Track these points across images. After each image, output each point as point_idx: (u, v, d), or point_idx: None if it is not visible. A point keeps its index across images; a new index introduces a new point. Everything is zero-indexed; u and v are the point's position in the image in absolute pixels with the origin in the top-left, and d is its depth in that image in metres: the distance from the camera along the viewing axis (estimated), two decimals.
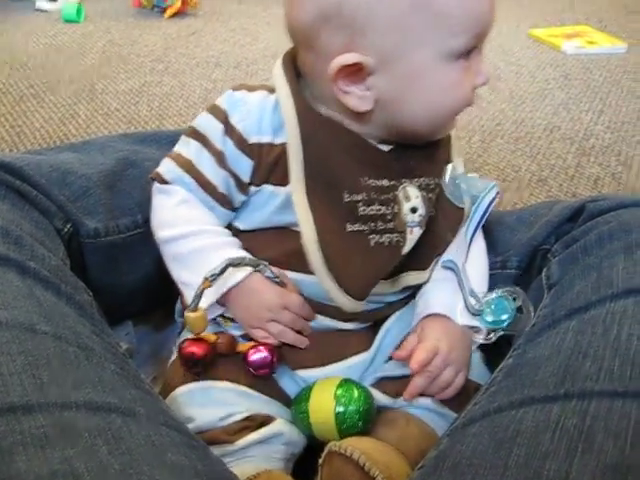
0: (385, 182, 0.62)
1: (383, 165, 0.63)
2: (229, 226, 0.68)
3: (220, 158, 0.64)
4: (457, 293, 0.65)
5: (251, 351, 0.63)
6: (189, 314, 0.61)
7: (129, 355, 0.66)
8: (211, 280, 0.60)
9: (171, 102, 1.66)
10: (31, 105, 1.64)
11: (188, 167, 0.65)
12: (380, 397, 0.64)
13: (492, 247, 0.72)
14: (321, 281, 0.62)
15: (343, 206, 0.61)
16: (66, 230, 0.67)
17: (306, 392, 0.64)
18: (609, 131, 1.63)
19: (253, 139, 0.63)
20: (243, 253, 0.64)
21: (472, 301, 0.63)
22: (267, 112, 0.63)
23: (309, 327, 0.65)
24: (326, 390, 0.62)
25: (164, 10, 2.42)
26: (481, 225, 0.66)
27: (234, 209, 0.66)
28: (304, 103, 0.62)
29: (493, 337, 0.65)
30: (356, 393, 0.62)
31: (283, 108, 0.62)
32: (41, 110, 1.61)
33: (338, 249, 0.62)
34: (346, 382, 0.63)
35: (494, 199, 0.65)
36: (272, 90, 0.64)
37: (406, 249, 0.63)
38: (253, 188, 0.64)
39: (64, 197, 0.67)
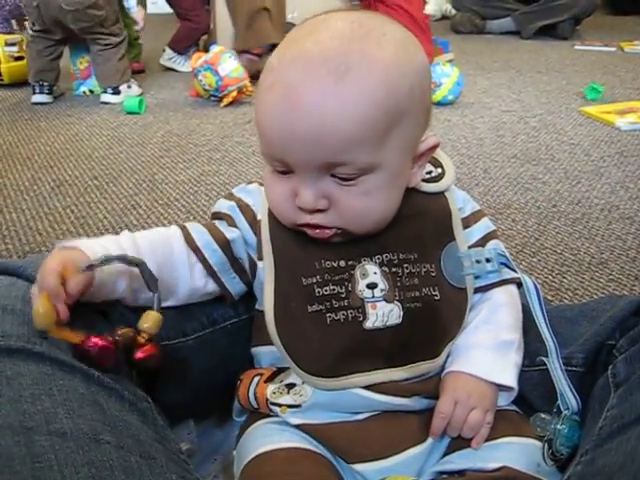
0: (342, 263, 0.65)
1: (341, 248, 0.66)
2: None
3: (231, 222, 0.69)
4: (471, 348, 0.67)
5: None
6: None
7: (190, 455, 0.65)
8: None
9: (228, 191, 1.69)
10: (95, 196, 1.71)
11: (210, 228, 0.69)
12: None
13: None
14: (283, 358, 0.65)
15: (303, 289, 0.65)
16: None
17: None
18: None
19: (258, 216, 0.69)
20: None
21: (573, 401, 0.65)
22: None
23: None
24: None
25: (220, 99, 2.52)
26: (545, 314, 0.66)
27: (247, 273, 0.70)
28: None
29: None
30: None
31: (261, 207, 0.69)
32: (104, 201, 1.67)
33: (297, 329, 0.64)
34: None
35: (536, 289, 0.66)
36: None
37: (370, 324, 0.64)
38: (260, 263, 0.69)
39: (127, 308, 0.68)
